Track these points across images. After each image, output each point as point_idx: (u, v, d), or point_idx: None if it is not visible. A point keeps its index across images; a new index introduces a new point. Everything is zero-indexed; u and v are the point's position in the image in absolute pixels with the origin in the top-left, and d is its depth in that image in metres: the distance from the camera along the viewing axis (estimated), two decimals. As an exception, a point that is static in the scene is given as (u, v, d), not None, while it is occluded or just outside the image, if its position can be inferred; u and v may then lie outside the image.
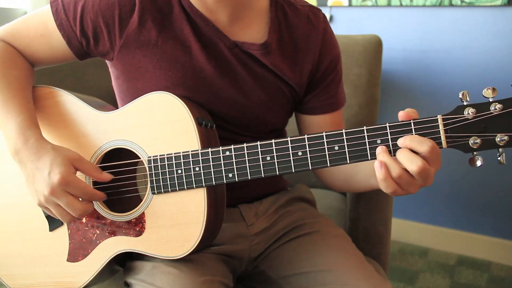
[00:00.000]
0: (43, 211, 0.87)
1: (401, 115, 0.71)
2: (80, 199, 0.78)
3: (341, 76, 0.99)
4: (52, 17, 0.86)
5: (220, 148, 0.78)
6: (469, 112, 0.68)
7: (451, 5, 1.83)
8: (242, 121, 0.92)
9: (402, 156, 0.69)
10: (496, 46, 1.81)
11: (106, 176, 0.82)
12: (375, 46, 1.40)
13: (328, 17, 2.03)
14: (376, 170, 0.70)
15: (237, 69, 0.88)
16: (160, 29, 0.85)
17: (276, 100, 0.93)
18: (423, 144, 0.68)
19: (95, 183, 0.86)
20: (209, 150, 0.79)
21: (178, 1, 0.85)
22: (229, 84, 0.88)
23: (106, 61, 0.92)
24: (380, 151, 0.71)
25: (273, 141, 0.76)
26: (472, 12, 1.82)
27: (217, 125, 0.86)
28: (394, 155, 0.70)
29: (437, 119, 0.69)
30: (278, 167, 0.76)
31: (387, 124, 0.71)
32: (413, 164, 0.68)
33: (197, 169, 0.79)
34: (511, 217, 1.96)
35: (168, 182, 0.81)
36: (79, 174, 0.80)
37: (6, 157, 0.89)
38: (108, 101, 0.94)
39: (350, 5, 2.00)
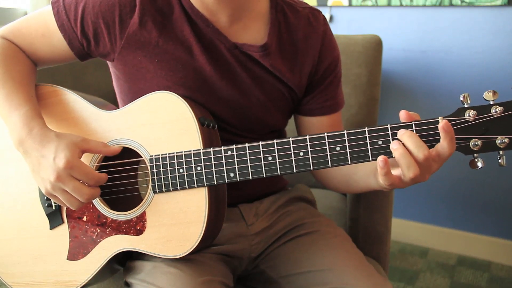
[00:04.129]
0: (44, 210, 0.88)
1: (403, 114, 0.71)
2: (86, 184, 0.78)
3: (340, 78, 0.99)
4: (53, 17, 0.86)
5: (222, 147, 0.79)
6: (470, 114, 0.68)
7: (451, 5, 1.83)
8: (241, 122, 0.92)
9: (412, 140, 0.69)
10: (496, 46, 1.81)
11: (114, 148, 0.82)
12: (375, 46, 1.40)
13: (328, 17, 2.03)
14: (378, 165, 0.70)
15: (237, 70, 0.88)
16: (160, 30, 0.85)
17: (275, 101, 0.93)
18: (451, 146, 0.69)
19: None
20: (211, 149, 0.79)
21: (178, 2, 0.85)
22: (228, 85, 0.88)
23: (107, 62, 0.92)
24: (397, 146, 0.70)
25: (275, 141, 0.76)
26: (472, 12, 1.82)
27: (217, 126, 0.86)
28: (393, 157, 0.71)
29: (438, 120, 0.69)
30: (279, 167, 0.76)
31: (389, 126, 0.71)
32: (420, 151, 0.68)
33: (198, 168, 0.79)
34: (511, 217, 1.96)
35: (170, 181, 0.81)
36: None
37: (6, 155, 0.89)
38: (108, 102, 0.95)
39: (350, 5, 2.00)
